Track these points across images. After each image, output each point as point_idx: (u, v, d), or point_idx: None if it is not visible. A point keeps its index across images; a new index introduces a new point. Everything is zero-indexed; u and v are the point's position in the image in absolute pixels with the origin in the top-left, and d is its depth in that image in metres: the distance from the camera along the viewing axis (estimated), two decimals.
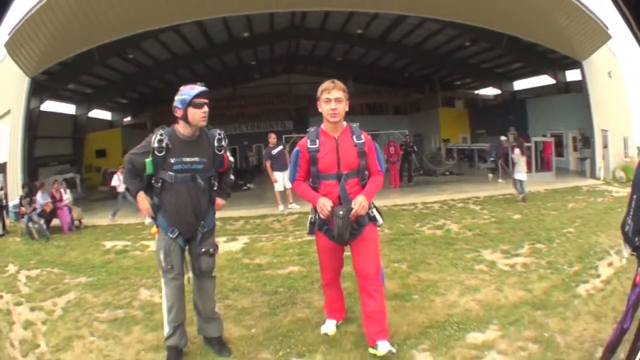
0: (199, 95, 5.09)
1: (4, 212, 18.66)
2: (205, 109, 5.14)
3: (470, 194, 17.68)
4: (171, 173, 5.16)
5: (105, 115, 40.84)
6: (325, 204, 4.95)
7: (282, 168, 16.17)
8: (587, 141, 24.04)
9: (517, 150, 17.35)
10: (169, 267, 5.22)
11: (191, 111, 5.09)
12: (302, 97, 40.22)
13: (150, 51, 28.98)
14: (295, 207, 16.41)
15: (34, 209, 16.09)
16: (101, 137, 35.87)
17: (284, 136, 23.03)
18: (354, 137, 5.18)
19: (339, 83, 5.12)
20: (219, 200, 5.65)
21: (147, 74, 33.52)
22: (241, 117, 42.53)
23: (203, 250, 5.33)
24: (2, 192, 20.71)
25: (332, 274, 5.66)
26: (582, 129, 24.52)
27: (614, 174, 23.19)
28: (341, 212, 4.86)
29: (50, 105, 28.03)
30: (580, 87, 23.77)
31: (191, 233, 5.34)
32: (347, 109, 5.17)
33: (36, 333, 6.96)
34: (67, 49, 20.80)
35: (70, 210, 17.01)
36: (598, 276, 7.57)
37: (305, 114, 39.57)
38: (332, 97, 5.01)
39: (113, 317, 7.26)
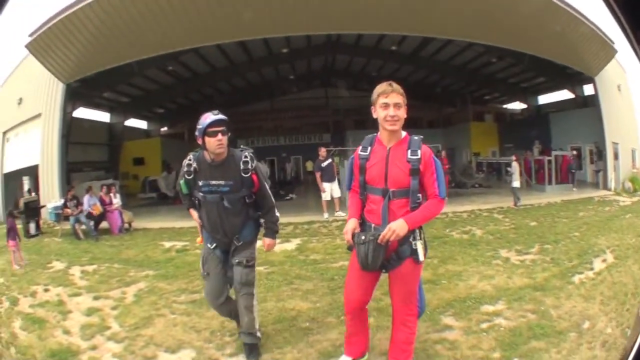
0: (212, 124, 5.14)
1: (38, 213, 19.09)
2: (220, 137, 5.14)
3: (496, 204, 18.61)
4: (201, 194, 5.40)
5: (141, 124, 41.12)
6: (347, 230, 4.49)
7: (330, 179, 17.29)
8: (600, 154, 24.67)
9: (514, 163, 19.33)
10: (205, 274, 5.63)
11: (207, 140, 5.16)
12: (339, 110, 41.03)
13: (189, 64, 29.19)
14: (341, 214, 16.89)
15: (81, 211, 16.98)
16: (139, 146, 36.36)
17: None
18: (409, 151, 4.44)
19: (397, 86, 4.49)
20: (268, 241, 5.71)
21: (185, 85, 33.72)
22: (279, 129, 42.60)
23: (237, 261, 5.46)
24: (33, 194, 21.96)
25: (355, 304, 4.85)
26: (597, 142, 25.00)
27: (623, 184, 23.92)
28: (363, 237, 4.33)
29: (83, 112, 28.21)
30: (595, 102, 24.37)
31: (227, 246, 5.56)
32: (406, 116, 4.51)
33: (105, 317, 7.63)
34: (105, 60, 21.04)
35: (121, 214, 17.86)
36: (591, 269, 8.98)
37: (342, 127, 40.55)
38: (391, 102, 4.39)
39: (191, 300, 8.15)
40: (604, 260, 9.76)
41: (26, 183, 25.69)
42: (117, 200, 18.27)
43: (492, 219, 15.76)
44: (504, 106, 41.26)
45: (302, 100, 41.85)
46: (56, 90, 22.42)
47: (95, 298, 8.91)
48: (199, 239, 5.87)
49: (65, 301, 8.94)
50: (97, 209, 17.29)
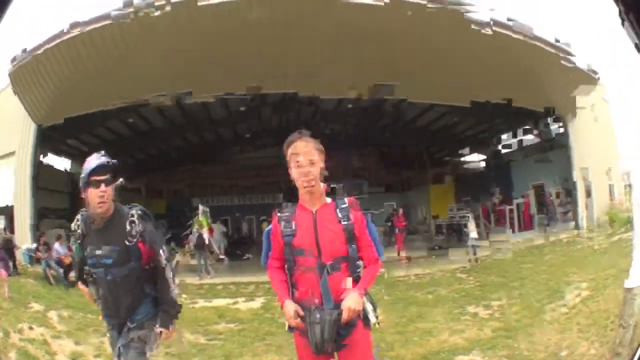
0: (96, 170, 4.06)
1: (13, 254, 18.91)
2: (103, 188, 4.02)
3: (459, 264, 18.37)
4: (87, 267, 4.34)
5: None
6: (290, 313, 3.60)
7: None
8: (569, 194, 24.47)
9: (470, 217, 20.51)
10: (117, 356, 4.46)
11: (89, 192, 4.08)
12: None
13: (148, 117, 28.97)
14: None
15: (51, 256, 17.03)
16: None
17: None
18: (338, 211, 3.73)
19: (311, 139, 3.74)
20: (162, 331, 4.43)
21: (143, 139, 33.66)
22: (235, 188, 42.60)
23: (130, 336, 4.36)
24: (8, 233, 21.68)
25: None
26: (564, 182, 24.74)
27: (599, 220, 23.39)
28: (318, 316, 3.56)
29: (49, 158, 27.51)
30: (563, 141, 24.12)
31: (121, 328, 4.45)
32: (325, 173, 3.76)
33: None
34: (75, 105, 20.96)
35: None
36: (562, 304, 9.25)
37: (295, 188, 40.63)
38: (306, 159, 3.62)
39: (169, 352, 7.87)
40: (578, 295, 9.98)
41: (1, 221, 24.96)
42: None
43: (456, 278, 15.91)
44: (462, 159, 40.77)
45: (257, 160, 41.37)
46: (29, 130, 22.40)
47: (77, 343, 9.09)
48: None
49: (49, 342, 9.16)
50: (68, 259, 16.41)
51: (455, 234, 26.01)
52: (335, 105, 29.13)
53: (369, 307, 3.80)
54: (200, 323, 10.73)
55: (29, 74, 19.10)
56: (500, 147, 34.68)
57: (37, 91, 19.99)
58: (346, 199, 3.81)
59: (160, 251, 4.37)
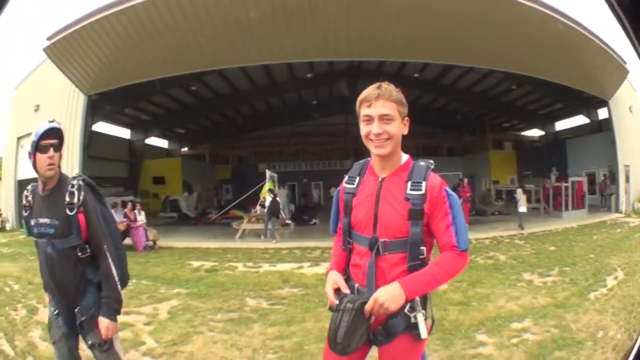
0: (45, 135, 3.85)
1: None
2: (51, 153, 3.83)
3: (516, 231, 18.95)
4: (34, 237, 4.06)
5: (162, 143, 41.35)
6: (328, 289, 2.99)
7: None
8: (613, 177, 25.14)
9: (519, 190, 20.36)
10: (52, 341, 4.24)
11: (38, 157, 3.86)
12: (359, 137, 41.25)
13: (212, 85, 29.09)
14: None
15: None
16: (160, 165, 36.38)
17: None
18: (409, 183, 2.93)
19: (388, 89, 2.95)
20: (103, 321, 3.92)
21: (207, 106, 33.65)
22: (302, 154, 42.77)
23: (89, 343, 4.02)
24: None
25: None
26: (610, 166, 25.50)
27: (633, 205, 24.56)
28: (347, 304, 2.76)
29: (102, 126, 28.25)
30: (608, 125, 25.01)
31: (70, 315, 4.03)
32: (405, 132, 3.03)
33: (138, 333, 7.47)
34: (128, 75, 20.94)
35: (145, 231, 17.85)
36: (605, 286, 9.54)
37: (362, 155, 40.55)
38: (375, 114, 2.90)
39: (227, 318, 8.06)
40: (616, 278, 10.37)
41: None
42: (141, 217, 18.22)
43: (514, 244, 16.18)
44: (522, 133, 41.66)
45: (324, 127, 41.87)
46: (77, 101, 22.63)
47: (126, 313, 7.77)
48: (45, 297, 4.29)
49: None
50: (123, 225, 16.85)
51: (514, 201, 26.23)
52: (398, 71, 29.15)
53: (421, 318, 2.88)
54: (263, 287, 10.65)
55: (72, 46, 19.16)
56: (557, 125, 34.84)
57: (84, 63, 20.23)
58: (426, 170, 2.97)
59: (98, 227, 3.99)
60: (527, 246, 15.59)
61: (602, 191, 26.20)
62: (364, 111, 2.98)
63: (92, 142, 24.07)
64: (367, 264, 2.94)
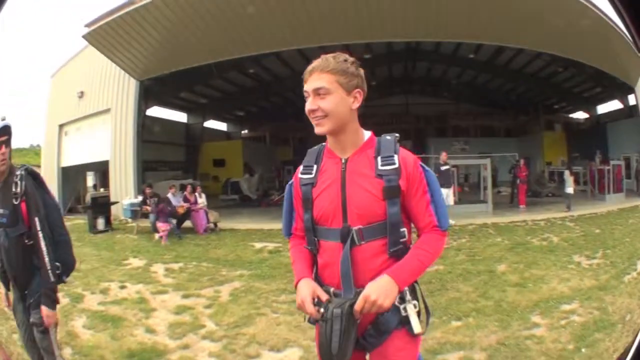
0: None
1: (109, 209, 19.60)
2: (4, 149, 4.12)
3: (567, 213, 19.37)
4: None
5: (221, 126, 41.68)
6: (304, 300, 2.61)
7: (447, 184, 17.33)
8: None
9: (567, 172, 20.77)
10: (17, 325, 4.69)
11: None
12: (420, 118, 41.62)
13: (270, 67, 29.41)
14: (450, 222, 16.53)
15: (162, 209, 16.49)
16: (220, 147, 36.75)
17: None
18: (379, 158, 2.68)
19: (327, 59, 2.71)
20: (42, 309, 4.25)
21: (266, 89, 33.91)
22: None
23: (31, 320, 4.35)
24: (101, 189, 22.39)
25: None
26: None
27: None
28: (335, 310, 2.48)
29: (157, 111, 28.65)
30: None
31: (24, 300, 4.46)
32: (354, 106, 2.74)
33: (198, 316, 7.65)
34: (180, 60, 21.14)
35: (206, 213, 18.11)
36: (635, 270, 10.15)
37: (423, 135, 40.97)
38: (309, 89, 2.69)
39: (292, 300, 7.36)
40: None
41: (90, 178, 26.23)
42: (202, 200, 18.57)
43: (565, 226, 16.74)
44: (570, 115, 41.45)
45: (383, 107, 41.06)
46: (128, 86, 22.71)
47: (185, 296, 8.96)
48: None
49: (147, 299, 8.97)
50: (183, 209, 17.47)
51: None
52: (453, 53, 29.62)
53: (412, 310, 2.65)
54: None
55: (116, 32, 19.11)
56: (599, 108, 35.17)
57: (134, 49, 20.00)
58: (394, 143, 2.75)
59: (34, 215, 4.23)
60: (576, 228, 16.14)
61: (638, 175, 26.61)
62: (304, 87, 2.73)
63: (146, 127, 24.56)
64: (341, 260, 2.61)
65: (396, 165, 2.61)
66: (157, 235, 15.71)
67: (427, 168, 2.78)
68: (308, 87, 2.69)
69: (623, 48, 19.07)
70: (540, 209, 21.29)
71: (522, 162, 24.23)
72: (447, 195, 17.08)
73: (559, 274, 10.07)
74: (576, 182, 23.54)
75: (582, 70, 26.89)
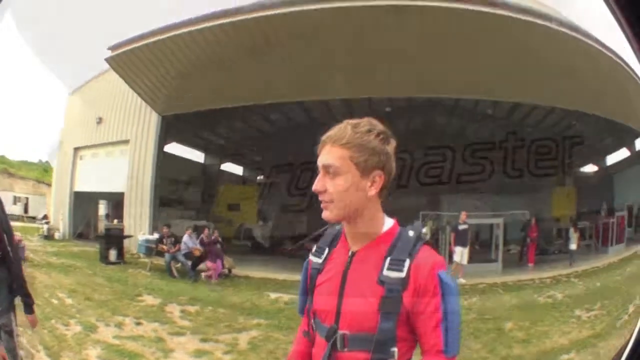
0: None
1: (121, 242, 18.88)
2: None
3: (572, 269, 19.07)
4: None
5: (237, 169, 41.61)
6: None
7: (462, 244, 17.65)
8: None
9: (572, 229, 21.37)
10: None
11: None
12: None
13: (290, 115, 26.92)
14: (462, 281, 16.28)
15: (178, 249, 16.64)
16: (235, 191, 32.83)
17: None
18: (388, 260, 2.29)
19: (344, 129, 2.46)
20: (28, 317, 4.84)
21: (286, 136, 32.52)
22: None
23: (0, 322, 4.68)
24: (115, 221, 21.38)
25: None
26: None
27: None
28: None
29: (174, 148, 26.16)
30: None
31: None
32: (372, 192, 2.35)
33: None
34: (208, 99, 20.07)
35: (222, 259, 17.45)
36: (627, 313, 10.43)
37: (436, 191, 40.27)
38: (319, 164, 2.44)
39: None
40: (636, 304, 11.09)
41: (102, 207, 25.18)
42: (218, 246, 18.18)
43: (570, 283, 17.01)
44: (581, 169, 41.37)
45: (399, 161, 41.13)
46: (150, 119, 22.02)
47: (203, 340, 8.92)
48: None
49: (164, 338, 8.95)
50: (198, 251, 17.27)
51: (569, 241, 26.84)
52: (473, 107, 29.88)
53: None
54: None
55: (141, 60, 18.26)
56: (607, 159, 35.50)
57: (157, 81, 19.55)
58: (415, 243, 2.34)
59: (4, 235, 4.56)
60: (580, 284, 16.65)
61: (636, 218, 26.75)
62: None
63: (164, 164, 23.68)
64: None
65: (403, 275, 2.23)
66: (203, 275, 16.01)
67: (447, 279, 2.28)
68: (319, 161, 2.41)
69: (635, 92, 19.36)
70: (547, 267, 20.92)
71: (533, 221, 23.63)
72: (463, 253, 17.51)
73: (561, 328, 10.53)
74: (581, 237, 23.93)
75: (597, 121, 27.20)
